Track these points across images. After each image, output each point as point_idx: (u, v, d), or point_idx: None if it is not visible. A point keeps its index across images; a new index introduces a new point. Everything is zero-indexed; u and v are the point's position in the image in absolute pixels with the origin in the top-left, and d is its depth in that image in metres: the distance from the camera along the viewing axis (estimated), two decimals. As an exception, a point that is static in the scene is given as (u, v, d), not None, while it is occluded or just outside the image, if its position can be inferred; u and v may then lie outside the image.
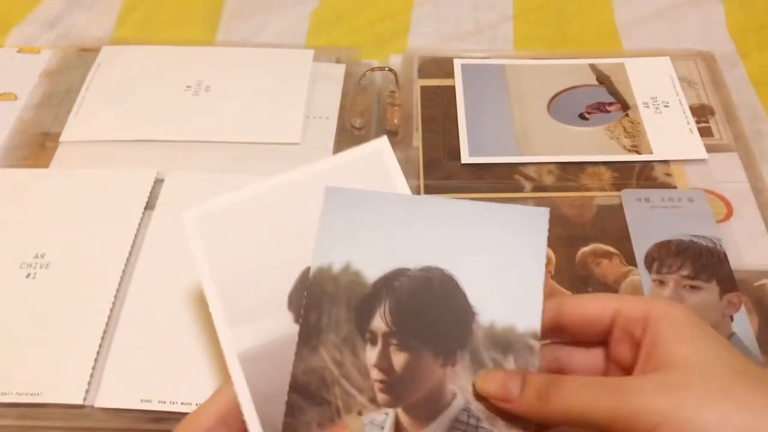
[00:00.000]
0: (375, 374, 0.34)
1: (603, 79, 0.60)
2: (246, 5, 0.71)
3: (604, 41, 0.65)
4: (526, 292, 0.34)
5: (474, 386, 0.33)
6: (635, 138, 0.56)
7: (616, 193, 0.52)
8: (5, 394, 0.42)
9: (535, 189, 0.53)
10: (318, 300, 0.35)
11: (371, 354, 0.34)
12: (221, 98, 0.60)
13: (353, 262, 0.35)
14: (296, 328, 0.34)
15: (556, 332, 0.34)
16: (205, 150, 0.56)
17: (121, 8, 0.71)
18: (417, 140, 0.57)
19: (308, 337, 0.34)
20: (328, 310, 0.35)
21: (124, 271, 0.48)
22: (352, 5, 0.71)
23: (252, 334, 0.34)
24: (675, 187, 0.53)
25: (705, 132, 0.57)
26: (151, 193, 0.53)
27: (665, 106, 0.58)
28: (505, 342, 0.34)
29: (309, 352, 0.34)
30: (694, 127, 0.56)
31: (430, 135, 0.57)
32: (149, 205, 0.52)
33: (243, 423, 0.33)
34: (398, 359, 0.34)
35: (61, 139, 0.57)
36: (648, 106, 0.58)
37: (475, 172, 0.54)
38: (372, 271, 0.35)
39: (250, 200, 0.37)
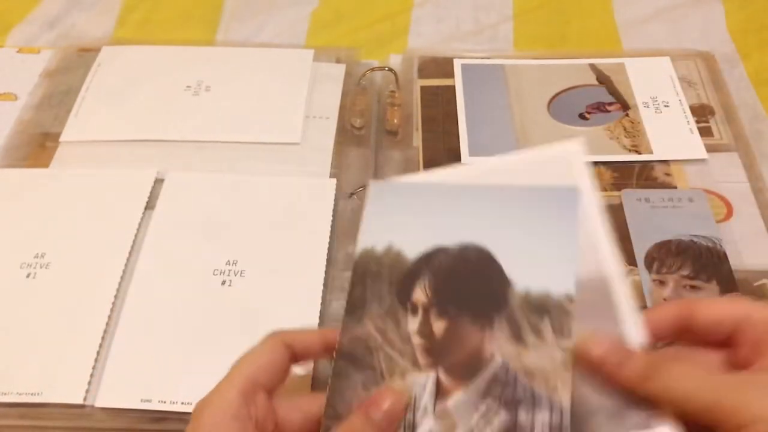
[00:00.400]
0: (416, 340, 0.36)
1: (603, 79, 0.60)
2: (246, 5, 0.71)
3: (604, 41, 0.65)
4: (559, 257, 0.37)
5: (576, 347, 0.34)
6: (635, 138, 0.56)
7: (616, 193, 0.52)
8: (5, 393, 0.42)
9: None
10: (362, 277, 0.38)
11: (412, 322, 0.37)
12: (221, 98, 0.60)
13: (394, 244, 0.39)
14: None
15: (683, 333, 0.35)
16: (205, 150, 0.56)
17: (121, 8, 0.71)
18: (417, 140, 0.57)
19: (353, 309, 0.37)
20: (371, 286, 0.38)
21: (124, 271, 0.48)
22: (352, 5, 0.71)
23: None
24: (675, 187, 0.53)
25: (705, 132, 0.56)
26: (151, 193, 0.53)
27: (665, 106, 0.58)
28: (541, 307, 0.36)
29: (354, 322, 0.37)
30: (694, 126, 0.56)
31: (430, 135, 0.57)
32: (149, 205, 0.52)
33: (263, 398, 0.34)
34: (438, 326, 0.36)
35: (61, 139, 0.57)
36: (648, 106, 0.58)
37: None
38: (412, 251, 0.38)
39: (437, 184, 0.40)
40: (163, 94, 0.60)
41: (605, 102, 0.59)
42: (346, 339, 0.36)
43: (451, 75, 0.61)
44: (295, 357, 0.36)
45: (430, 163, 0.55)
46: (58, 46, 0.66)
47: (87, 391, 0.42)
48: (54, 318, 0.46)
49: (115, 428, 0.42)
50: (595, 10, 0.69)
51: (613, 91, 0.59)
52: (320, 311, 0.46)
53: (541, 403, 0.34)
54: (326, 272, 0.48)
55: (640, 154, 0.55)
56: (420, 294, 0.37)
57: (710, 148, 0.55)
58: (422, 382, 0.35)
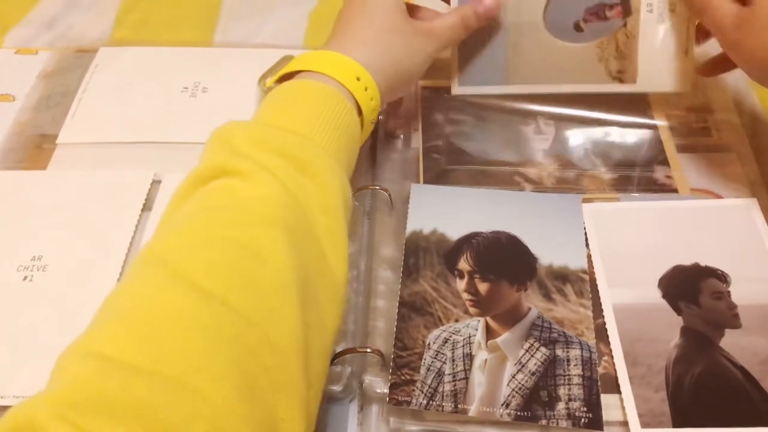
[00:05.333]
0: (465, 296, 0.46)
1: None
2: (244, 6, 0.71)
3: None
4: (574, 244, 0.49)
5: None
6: (624, 60, 0.54)
7: (614, 195, 0.52)
8: (2, 397, 0.42)
9: (536, 191, 0.53)
10: (414, 250, 0.49)
11: (460, 284, 0.47)
12: (218, 99, 0.59)
13: (438, 227, 0.49)
14: (661, 300, 0.46)
15: None
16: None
17: (118, 9, 0.71)
18: (417, 141, 0.57)
19: (409, 273, 0.48)
20: (422, 256, 0.48)
21: (121, 273, 0.48)
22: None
23: (624, 294, 0.47)
24: (676, 190, 0.53)
25: (704, 132, 0.56)
26: (148, 194, 0.53)
27: (670, 11, 0.53)
28: (562, 275, 0.47)
29: (411, 282, 0.47)
30: (692, 45, 0.54)
31: (430, 136, 0.57)
32: (146, 207, 0.52)
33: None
34: (482, 287, 0.46)
35: (58, 141, 0.57)
36: (651, 11, 0.54)
37: (475, 176, 0.54)
38: (453, 234, 0.49)
39: (634, 209, 0.52)
40: (160, 95, 0.60)
41: (606, 4, 0.54)
42: (405, 294, 0.46)
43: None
44: None
45: (430, 164, 0.55)
46: (55, 47, 0.66)
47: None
48: (51, 321, 0.46)
49: None
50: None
51: None
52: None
53: (573, 342, 0.44)
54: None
55: (623, 83, 0.54)
56: (464, 264, 0.48)
57: (709, 148, 0.55)
58: (474, 324, 0.45)
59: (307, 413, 0.33)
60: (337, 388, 0.43)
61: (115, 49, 0.65)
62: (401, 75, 0.49)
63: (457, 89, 0.56)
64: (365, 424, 0.42)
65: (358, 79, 0.45)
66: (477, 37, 0.55)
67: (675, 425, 0.40)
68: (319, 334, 0.35)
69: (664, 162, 0.54)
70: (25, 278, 0.48)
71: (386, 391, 0.42)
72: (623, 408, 0.42)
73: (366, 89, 0.45)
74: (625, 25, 0.54)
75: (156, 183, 0.53)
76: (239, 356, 0.30)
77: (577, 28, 0.55)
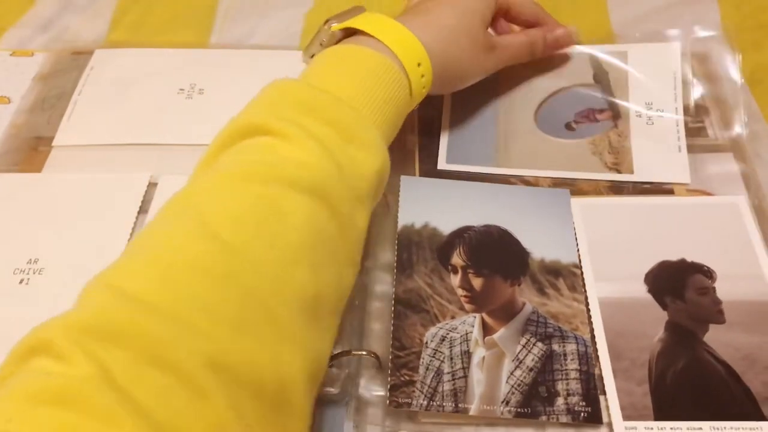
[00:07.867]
0: (460, 292, 0.46)
1: (600, 77, 0.58)
2: (240, 7, 0.71)
3: (598, 41, 0.65)
4: (564, 238, 0.49)
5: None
6: (618, 155, 0.54)
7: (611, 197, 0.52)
8: None
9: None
10: (407, 245, 0.48)
11: (454, 279, 0.47)
12: (215, 101, 0.59)
13: (430, 221, 0.49)
14: (647, 295, 0.46)
15: None
16: (198, 153, 0.55)
17: (114, 11, 0.71)
18: (413, 143, 0.57)
19: (403, 268, 0.47)
20: (416, 251, 0.48)
21: (117, 276, 0.48)
22: (346, 7, 0.70)
23: (611, 288, 0.47)
24: (672, 191, 0.52)
25: (700, 132, 0.56)
26: (144, 196, 0.53)
27: (659, 116, 0.56)
28: (555, 269, 0.47)
29: (405, 278, 0.47)
30: (684, 143, 0.54)
31: (427, 138, 0.57)
32: (143, 209, 0.52)
33: None
34: (476, 282, 0.46)
35: (54, 143, 0.57)
36: (640, 116, 0.56)
37: (471, 177, 0.54)
38: (445, 228, 0.49)
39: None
40: (156, 97, 0.60)
41: (596, 109, 0.57)
42: (400, 290, 0.46)
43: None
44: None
45: (426, 166, 0.55)
46: (51, 49, 0.66)
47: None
48: (47, 324, 0.45)
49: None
50: (589, 9, 0.68)
51: (607, 94, 0.57)
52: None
53: (568, 337, 0.44)
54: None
55: (620, 173, 0.53)
56: (457, 258, 0.47)
57: (705, 149, 0.55)
58: (471, 321, 0.44)
59: (311, 365, 0.36)
60: (333, 390, 0.43)
61: (111, 50, 0.64)
62: (454, 79, 0.51)
63: (444, 165, 0.55)
64: (361, 426, 0.42)
65: (419, 64, 0.46)
66: (468, 120, 0.57)
67: (657, 418, 0.40)
68: (334, 293, 0.38)
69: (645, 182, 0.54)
70: (21, 281, 0.48)
71: (382, 393, 0.42)
72: (607, 406, 0.42)
73: (422, 76, 0.47)
74: (616, 125, 0.56)
75: (152, 185, 0.53)
76: (247, 304, 0.33)
77: (569, 128, 0.56)
